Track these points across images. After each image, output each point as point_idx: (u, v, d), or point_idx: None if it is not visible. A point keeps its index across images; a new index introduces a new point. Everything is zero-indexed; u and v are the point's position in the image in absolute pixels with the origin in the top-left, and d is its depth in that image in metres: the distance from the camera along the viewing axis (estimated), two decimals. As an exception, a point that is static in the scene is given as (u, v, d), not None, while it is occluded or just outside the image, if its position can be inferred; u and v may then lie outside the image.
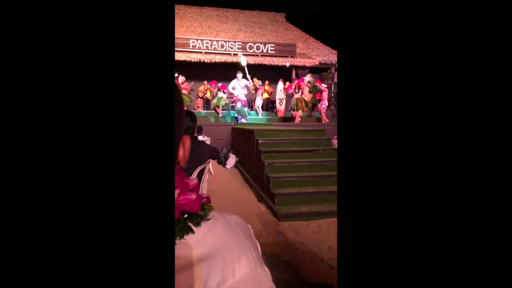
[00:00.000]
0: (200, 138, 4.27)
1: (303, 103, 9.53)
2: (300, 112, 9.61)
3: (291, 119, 9.76)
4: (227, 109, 11.21)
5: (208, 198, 0.50)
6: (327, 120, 9.71)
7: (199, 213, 0.45)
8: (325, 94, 9.97)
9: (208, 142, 5.24)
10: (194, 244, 0.43)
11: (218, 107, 10.26)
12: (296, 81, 10.17)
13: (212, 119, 9.98)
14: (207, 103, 11.77)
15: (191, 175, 2.09)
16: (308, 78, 10.03)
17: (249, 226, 0.54)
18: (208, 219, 0.45)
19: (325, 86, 10.10)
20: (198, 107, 11.46)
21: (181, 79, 9.61)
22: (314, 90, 10.18)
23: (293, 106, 9.66)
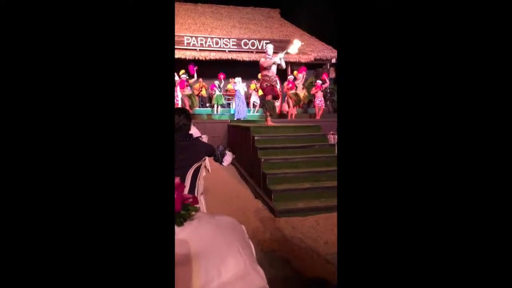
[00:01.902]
0: (199, 136, 4.25)
1: (297, 99, 9.50)
2: (291, 109, 9.58)
3: (287, 115, 9.77)
4: (224, 106, 11.21)
5: (194, 198, 0.49)
6: (318, 118, 9.69)
7: (181, 212, 0.44)
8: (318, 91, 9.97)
9: (205, 140, 5.22)
10: (176, 244, 0.41)
11: (218, 105, 10.29)
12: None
13: (206, 117, 9.96)
14: (202, 100, 11.74)
15: (187, 172, 2.09)
16: (301, 75, 10.02)
17: (243, 226, 0.53)
18: (192, 220, 0.44)
19: (320, 83, 10.09)
20: (194, 105, 11.41)
21: (184, 76, 9.32)
22: (310, 86, 10.17)
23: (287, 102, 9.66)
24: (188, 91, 9.10)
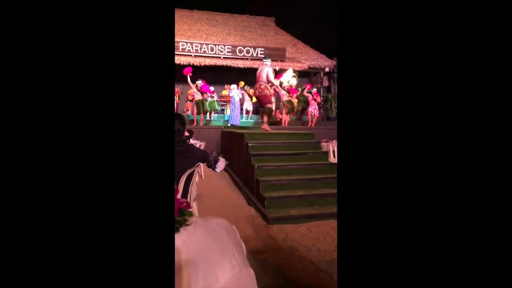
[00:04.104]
0: (193, 142, 4.23)
1: (290, 106, 9.55)
2: (286, 116, 9.62)
3: (280, 122, 9.80)
4: (218, 113, 11.20)
5: (187, 203, 0.49)
6: (312, 126, 9.73)
7: (177, 218, 0.43)
8: (311, 100, 10.04)
9: (202, 147, 5.17)
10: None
11: (211, 111, 10.24)
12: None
13: (203, 122, 9.94)
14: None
15: (180, 178, 2.07)
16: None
17: (234, 227, 0.53)
18: (188, 225, 0.44)
19: (315, 90, 10.20)
20: (188, 110, 11.40)
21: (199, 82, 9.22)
22: (303, 98, 10.27)
23: (280, 109, 9.70)
24: (198, 96, 9.05)
